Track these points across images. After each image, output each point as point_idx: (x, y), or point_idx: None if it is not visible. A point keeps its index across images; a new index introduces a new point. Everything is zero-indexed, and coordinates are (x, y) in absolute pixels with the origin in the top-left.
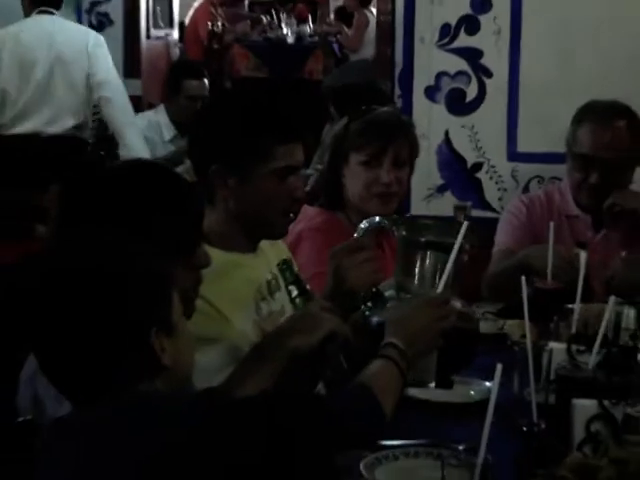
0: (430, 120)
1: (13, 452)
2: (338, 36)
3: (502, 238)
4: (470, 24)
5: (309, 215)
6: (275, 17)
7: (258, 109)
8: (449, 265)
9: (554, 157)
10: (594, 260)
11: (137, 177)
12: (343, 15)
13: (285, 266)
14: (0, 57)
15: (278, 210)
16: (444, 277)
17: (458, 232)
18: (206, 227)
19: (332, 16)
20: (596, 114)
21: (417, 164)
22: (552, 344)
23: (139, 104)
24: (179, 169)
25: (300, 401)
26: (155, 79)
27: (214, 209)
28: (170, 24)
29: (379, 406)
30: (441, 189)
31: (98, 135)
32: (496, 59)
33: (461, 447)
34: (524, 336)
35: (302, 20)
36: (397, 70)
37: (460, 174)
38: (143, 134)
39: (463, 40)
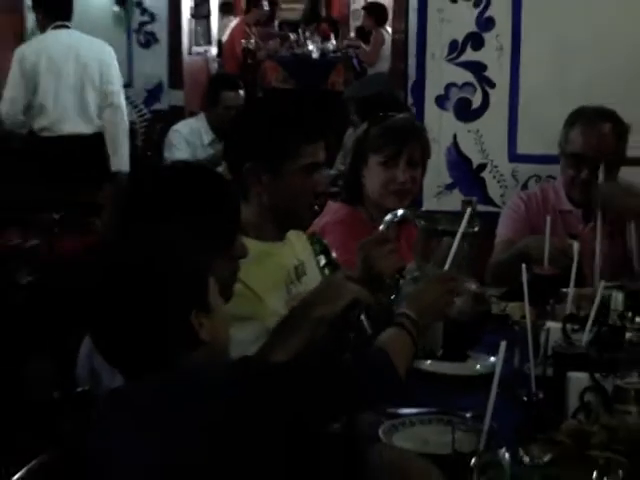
0: (440, 126)
1: (72, 419)
2: (357, 51)
3: (503, 230)
4: (475, 41)
5: (333, 209)
6: (302, 35)
7: (286, 114)
8: (454, 246)
9: (550, 158)
10: (585, 249)
11: (184, 177)
12: (362, 33)
13: (315, 239)
14: (37, 71)
15: (305, 202)
16: (450, 257)
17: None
18: (242, 220)
19: (352, 34)
20: (585, 118)
21: (429, 164)
22: (549, 323)
23: (181, 113)
24: (218, 170)
25: (323, 364)
26: (196, 90)
27: (248, 204)
28: (209, 42)
29: (394, 367)
30: (450, 187)
31: (145, 141)
32: (498, 72)
33: (469, 415)
34: (524, 317)
35: (325, 38)
36: (410, 82)
37: (466, 173)
38: (185, 139)
39: (469, 55)
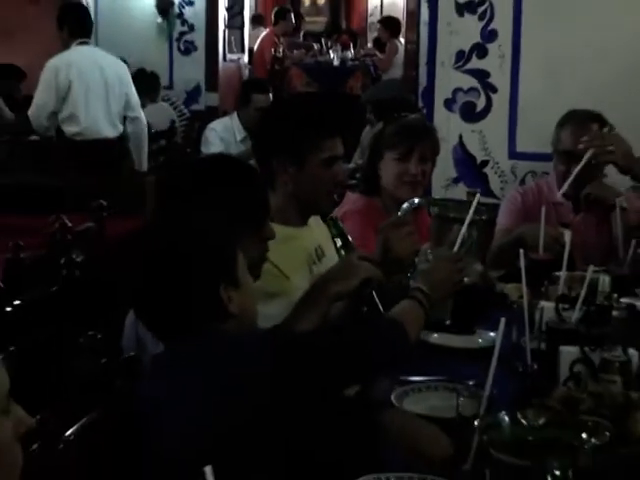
0: (448, 126)
1: (120, 381)
2: (373, 59)
3: (502, 220)
4: (480, 50)
5: (351, 200)
6: (324, 45)
7: (307, 113)
8: (462, 231)
9: (545, 156)
10: (575, 237)
11: (218, 167)
12: (378, 44)
13: (332, 222)
14: (69, 83)
15: (325, 191)
16: (459, 241)
17: (471, 205)
18: (270, 207)
19: (369, 44)
20: (575, 119)
21: (437, 160)
22: (543, 303)
23: (216, 112)
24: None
25: (342, 332)
26: (229, 93)
27: (275, 193)
28: (242, 50)
29: (406, 333)
30: (456, 180)
31: (184, 138)
32: (500, 78)
33: (471, 383)
34: (521, 297)
35: (345, 47)
36: (421, 87)
37: (471, 169)
38: (220, 136)
39: (474, 63)
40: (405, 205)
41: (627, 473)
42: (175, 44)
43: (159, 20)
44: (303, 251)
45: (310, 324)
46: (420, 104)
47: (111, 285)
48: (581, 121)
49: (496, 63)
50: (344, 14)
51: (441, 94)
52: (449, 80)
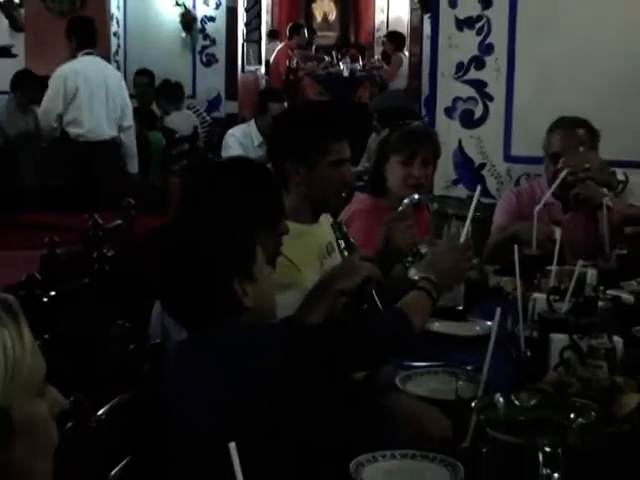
0: (448, 132)
1: (147, 366)
2: (379, 71)
3: (498, 218)
4: (478, 63)
5: (359, 199)
6: (334, 57)
7: (316, 120)
8: (467, 222)
9: (537, 160)
10: (565, 234)
11: (237, 168)
12: (384, 56)
13: (336, 225)
14: (77, 90)
15: (334, 191)
16: (464, 231)
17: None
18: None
19: (376, 57)
20: (564, 124)
21: (438, 163)
22: (536, 294)
23: (235, 119)
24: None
25: (349, 323)
26: (247, 101)
27: (288, 193)
28: (259, 62)
29: (410, 323)
30: (455, 182)
31: (206, 143)
32: (496, 88)
33: (469, 368)
34: (515, 289)
35: (354, 60)
36: (423, 96)
37: (469, 171)
38: (239, 141)
39: (472, 74)
40: (406, 200)
41: (612, 450)
42: (198, 57)
43: (183, 35)
44: (315, 246)
45: (318, 316)
46: (423, 112)
47: (139, 278)
48: (569, 126)
49: (492, 74)
50: (353, 29)
51: (442, 103)
52: (449, 90)
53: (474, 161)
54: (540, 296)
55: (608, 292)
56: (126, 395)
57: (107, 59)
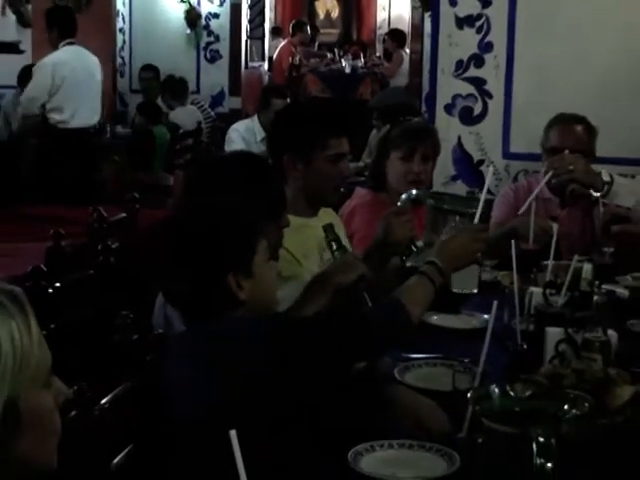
0: (448, 129)
1: (149, 356)
2: (381, 68)
3: (496, 214)
4: (477, 60)
5: (361, 194)
6: (337, 54)
7: (315, 115)
8: (480, 202)
9: (535, 156)
10: (561, 229)
11: (242, 163)
12: (385, 54)
13: (329, 228)
14: (63, 79)
15: (332, 185)
16: (478, 212)
17: (472, 201)
18: None
19: (378, 54)
20: (562, 120)
21: (438, 159)
22: (532, 288)
23: (239, 115)
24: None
25: (346, 315)
26: (251, 97)
27: (287, 187)
28: (262, 58)
29: (407, 314)
30: (454, 178)
31: (210, 138)
32: (495, 86)
33: (466, 360)
34: (512, 283)
35: (356, 57)
36: (424, 93)
37: (468, 167)
38: (242, 136)
39: (472, 72)
40: (404, 196)
41: (605, 441)
42: (202, 53)
43: (188, 31)
44: (314, 238)
45: (317, 308)
46: (423, 108)
47: (142, 269)
48: (567, 122)
49: (492, 72)
50: (355, 27)
51: (442, 99)
52: (449, 87)
53: (473, 157)
54: (536, 290)
55: (603, 286)
56: (129, 384)
57: (113, 55)
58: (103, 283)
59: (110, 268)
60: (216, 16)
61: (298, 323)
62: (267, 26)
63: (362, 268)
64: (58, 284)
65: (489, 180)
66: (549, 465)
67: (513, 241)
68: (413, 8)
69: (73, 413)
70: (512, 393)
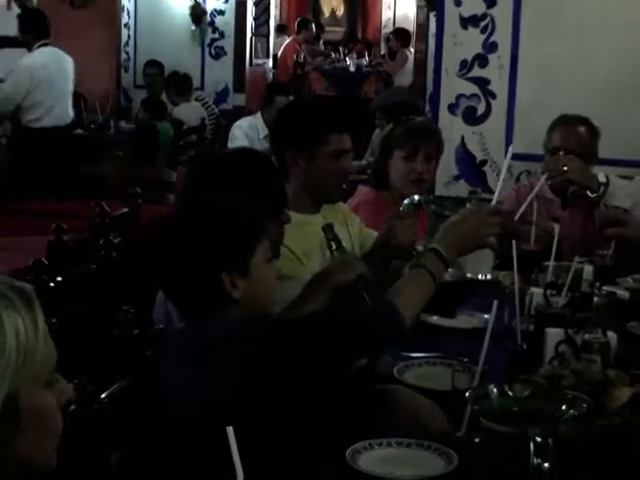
0: (451, 128)
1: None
2: (385, 66)
3: None
4: (481, 60)
5: (363, 192)
6: (341, 53)
7: (317, 112)
8: (498, 187)
9: (538, 157)
10: (563, 230)
11: (244, 159)
12: (390, 53)
13: (328, 228)
14: (40, 80)
15: (334, 181)
16: (496, 195)
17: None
18: None
19: (382, 52)
20: (565, 121)
21: (441, 159)
22: (533, 289)
23: (243, 112)
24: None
25: (337, 316)
26: (255, 94)
27: (289, 184)
28: (267, 55)
29: (398, 316)
30: (457, 178)
31: (213, 134)
32: (499, 86)
33: (466, 359)
34: (513, 283)
35: (360, 55)
36: (428, 93)
37: (471, 167)
38: (245, 133)
39: (476, 72)
40: (406, 201)
41: (603, 442)
42: (207, 49)
43: (193, 28)
44: (316, 236)
45: (317, 306)
46: (427, 107)
47: (144, 264)
48: (570, 123)
49: (496, 72)
50: (360, 25)
51: (445, 99)
52: (453, 87)
53: (476, 157)
54: (537, 290)
55: (604, 288)
56: (129, 379)
57: (118, 50)
58: (105, 278)
59: (112, 263)
60: (221, 13)
61: (295, 323)
62: (272, 23)
63: (361, 267)
64: (60, 278)
65: (507, 162)
66: (546, 465)
67: (514, 241)
68: (418, 7)
69: (72, 407)
70: (510, 393)
